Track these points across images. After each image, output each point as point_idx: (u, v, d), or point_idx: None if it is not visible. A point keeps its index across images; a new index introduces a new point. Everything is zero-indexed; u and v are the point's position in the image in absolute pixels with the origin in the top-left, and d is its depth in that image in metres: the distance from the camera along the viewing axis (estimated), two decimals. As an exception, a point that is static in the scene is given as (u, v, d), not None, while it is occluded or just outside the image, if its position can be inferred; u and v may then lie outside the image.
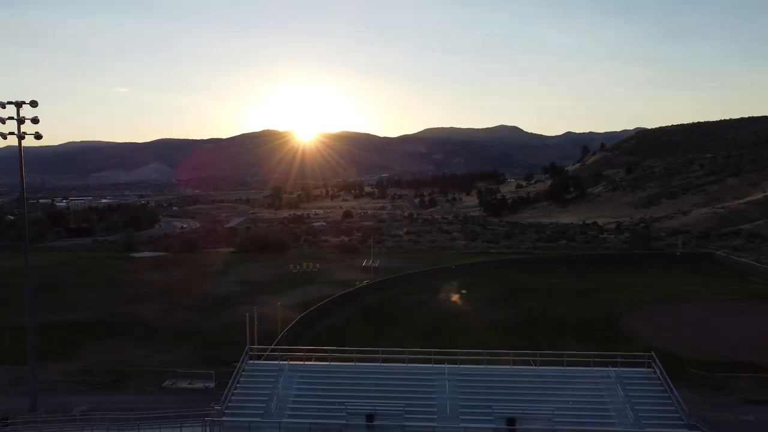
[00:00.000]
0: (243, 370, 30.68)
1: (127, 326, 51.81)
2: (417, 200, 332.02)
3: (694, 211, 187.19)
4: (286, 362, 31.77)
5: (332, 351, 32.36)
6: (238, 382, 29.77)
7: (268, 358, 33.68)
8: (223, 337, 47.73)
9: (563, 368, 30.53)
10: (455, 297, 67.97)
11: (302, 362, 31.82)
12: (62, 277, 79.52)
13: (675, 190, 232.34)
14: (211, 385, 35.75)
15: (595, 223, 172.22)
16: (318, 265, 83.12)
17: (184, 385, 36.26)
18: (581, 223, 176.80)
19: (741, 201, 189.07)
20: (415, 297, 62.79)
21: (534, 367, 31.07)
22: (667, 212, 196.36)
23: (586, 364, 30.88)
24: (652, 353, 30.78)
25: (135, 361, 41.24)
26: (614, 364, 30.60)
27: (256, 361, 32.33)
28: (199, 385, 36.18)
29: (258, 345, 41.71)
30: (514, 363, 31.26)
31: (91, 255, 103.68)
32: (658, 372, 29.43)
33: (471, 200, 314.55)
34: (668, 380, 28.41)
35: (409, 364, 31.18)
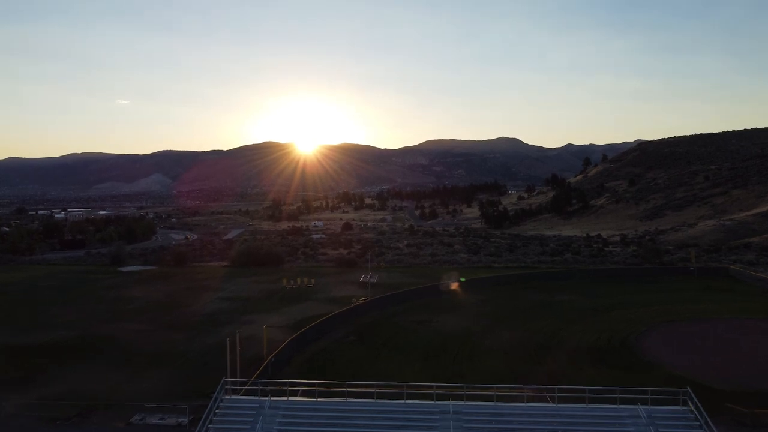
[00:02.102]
0: (217, 407, 26.75)
1: (101, 348, 47.75)
2: (417, 212, 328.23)
3: (700, 224, 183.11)
4: (267, 398, 27.80)
5: (320, 384, 28.44)
6: (210, 422, 25.82)
7: (247, 392, 29.70)
8: (206, 361, 43.74)
9: (586, 406, 26.50)
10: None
11: (286, 398, 27.85)
12: (41, 293, 75.58)
13: (679, 202, 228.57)
14: (185, 420, 31.72)
15: (599, 236, 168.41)
16: (313, 281, 79.11)
17: (155, 420, 32.18)
18: (585, 235, 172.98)
19: (748, 213, 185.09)
20: (416, 316, 58.68)
21: (552, 404, 27.06)
22: (672, 225, 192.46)
23: (612, 400, 26.90)
24: (688, 389, 26.77)
25: (105, 391, 37.18)
26: (644, 401, 26.64)
27: (232, 397, 28.36)
28: (171, 420, 32.11)
29: (242, 371, 37.77)
30: (529, 399, 27.23)
31: (77, 268, 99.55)
32: (696, 412, 25.48)
33: (472, 212, 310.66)
34: (709, 422, 24.51)
35: (408, 401, 27.19)
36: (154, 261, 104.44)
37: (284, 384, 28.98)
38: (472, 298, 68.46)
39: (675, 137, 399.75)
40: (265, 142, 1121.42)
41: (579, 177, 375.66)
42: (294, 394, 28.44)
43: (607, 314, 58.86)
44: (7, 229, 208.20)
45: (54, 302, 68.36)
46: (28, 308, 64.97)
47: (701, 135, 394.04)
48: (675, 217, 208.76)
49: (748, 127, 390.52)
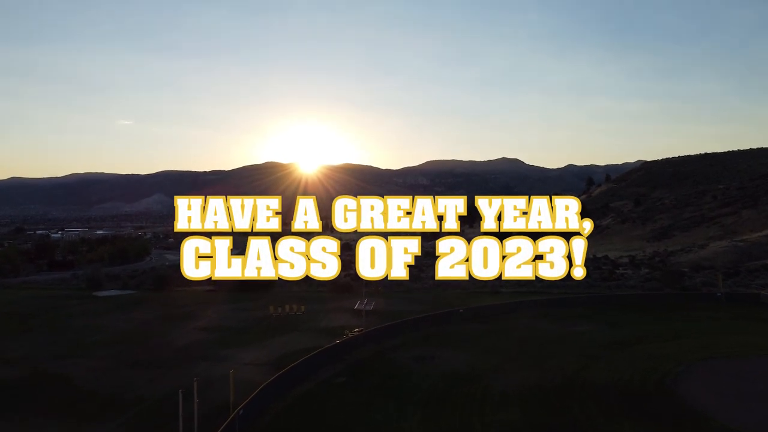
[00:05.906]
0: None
1: (48, 391, 40.83)
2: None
3: (711, 245, 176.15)
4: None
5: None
6: None
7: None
8: (167, 408, 36.74)
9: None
10: None
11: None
12: None
13: (687, 222, 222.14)
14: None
15: (606, 257, 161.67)
16: (303, 308, 72.20)
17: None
18: (592, 256, 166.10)
19: (760, 234, 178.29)
20: (415, 351, 51.72)
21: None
22: (681, 245, 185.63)
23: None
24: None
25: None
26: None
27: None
28: (101, 498, 25.15)
29: (208, 423, 31.06)
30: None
31: (51, 292, 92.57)
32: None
33: (474, 232, 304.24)
34: None
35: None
36: (134, 285, 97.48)
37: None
38: (478, 328, 61.46)
39: (679, 156, 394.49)
40: (267, 162, 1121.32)
41: (583, 197, 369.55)
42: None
43: (632, 349, 51.78)
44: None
45: (9, 333, 61.35)
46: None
47: (706, 154, 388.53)
48: (683, 238, 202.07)
49: (753, 147, 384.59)
